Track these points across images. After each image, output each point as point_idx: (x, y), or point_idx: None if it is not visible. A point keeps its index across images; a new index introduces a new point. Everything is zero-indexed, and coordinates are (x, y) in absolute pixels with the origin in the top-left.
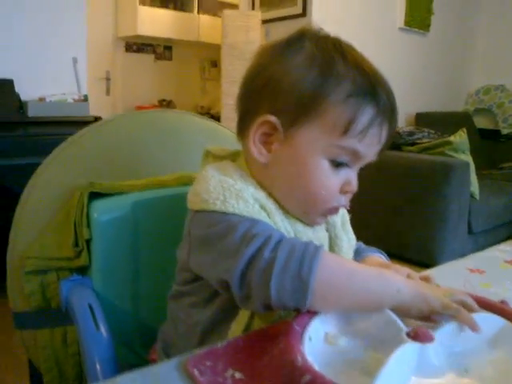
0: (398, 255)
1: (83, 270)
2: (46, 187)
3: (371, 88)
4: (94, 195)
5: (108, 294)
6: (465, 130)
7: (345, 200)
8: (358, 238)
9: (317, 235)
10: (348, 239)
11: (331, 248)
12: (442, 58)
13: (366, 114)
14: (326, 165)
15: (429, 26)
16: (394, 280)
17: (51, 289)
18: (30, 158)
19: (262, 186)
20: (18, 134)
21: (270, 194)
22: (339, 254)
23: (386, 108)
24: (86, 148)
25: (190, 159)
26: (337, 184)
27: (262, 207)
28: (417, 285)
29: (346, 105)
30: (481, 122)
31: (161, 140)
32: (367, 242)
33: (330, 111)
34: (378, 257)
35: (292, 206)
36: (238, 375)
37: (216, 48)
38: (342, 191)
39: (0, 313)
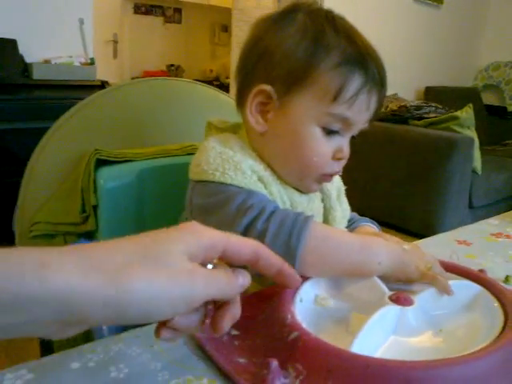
0: (398, 227)
1: (90, 235)
2: (54, 154)
3: (360, 57)
4: (101, 162)
5: None
6: (471, 105)
7: (337, 166)
8: (361, 208)
9: (312, 205)
10: (342, 210)
11: (325, 218)
12: (454, 31)
13: (355, 81)
14: (318, 132)
15: None
16: (377, 252)
17: None
18: (35, 123)
19: (260, 156)
20: (23, 97)
21: (269, 165)
22: (333, 223)
23: (375, 76)
24: (92, 115)
25: (196, 128)
26: (329, 151)
27: (260, 179)
28: (399, 256)
29: (335, 73)
30: (488, 98)
31: (167, 109)
32: (370, 213)
33: (321, 79)
34: (369, 226)
35: (288, 174)
36: (234, 332)
37: (227, 12)
38: (335, 158)
39: None
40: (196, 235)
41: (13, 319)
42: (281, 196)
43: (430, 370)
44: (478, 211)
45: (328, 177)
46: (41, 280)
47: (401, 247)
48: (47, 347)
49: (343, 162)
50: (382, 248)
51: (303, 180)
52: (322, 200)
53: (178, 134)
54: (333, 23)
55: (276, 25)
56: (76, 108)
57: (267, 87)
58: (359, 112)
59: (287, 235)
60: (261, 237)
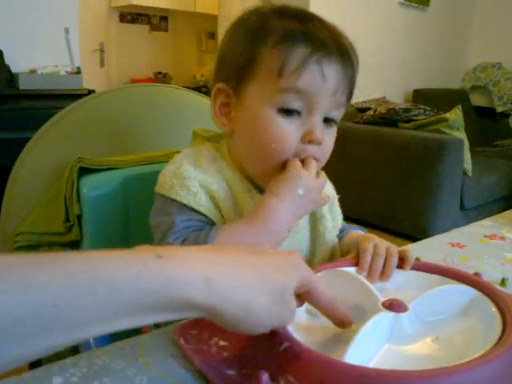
0: (390, 229)
1: (74, 245)
2: (36, 163)
3: (301, 30)
4: (84, 171)
5: None
6: (460, 107)
7: (312, 150)
8: (352, 212)
9: None
10: (333, 219)
11: (315, 227)
12: (441, 34)
13: (297, 54)
14: (274, 114)
15: (428, 0)
16: (278, 223)
17: None
18: (22, 133)
19: (239, 164)
20: (9, 107)
21: (245, 171)
22: (324, 232)
23: (325, 46)
24: (75, 123)
25: (182, 134)
26: (291, 133)
27: (210, 195)
28: (298, 208)
29: (275, 50)
30: (477, 100)
31: (152, 115)
32: (362, 217)
33: (264, 61)
34: (356, 232)
35: (257, 173)
36: (222, 343)
37: (213, 19)
38: (305, 141)
39: None
40: (299, 271)
41: (172, 317)
42: (250, 206)
43: (428, 380)
44: (470, 213)
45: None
46: (208, 294)
47: (296, 195)
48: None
49: (323, 150)
50: (283, 215)
51: (272, 175)
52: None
53: (164, 140)
54: (280, 12)
55: (231, 29)
56: (58, 116)
57: (221, 85)
58: (313, 83)
59: None
60: None
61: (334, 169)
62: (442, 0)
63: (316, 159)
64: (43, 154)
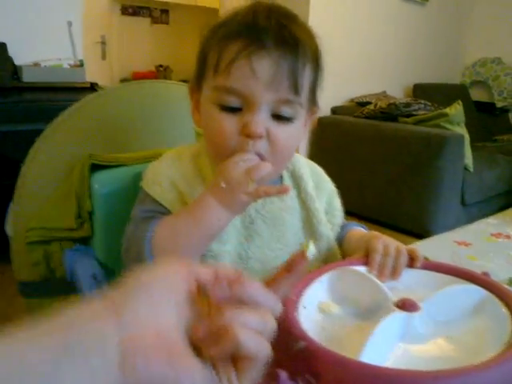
0: (392, 225)
1: (85, 241)
2: (46, 159)
3: (240, 28)
4: (95, 167)
5: (111, 264)
6: (460, 102)
7: (251, 145)
8: (353, 207)
9: (270, 207)
10: (331, 213)
11: (308, 220)
12: (441, 29)
13: (230, 50)
14: (215, 111)
15: None
16: (211, 213)
17: (55, 258)
18: (25, 125)
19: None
20: (13, 99)
21: None
22: (318, 226)
23: (258, 39)
24: (84, 120)
25: (191, 131)
26: (230, 128)
27: (178, 191)
28: (224, 198)
29: (215, 48)
30: (477, 95)
31: (161, 111)
32: (362, 211)
33: (209, 59)
34: (358, 230)
35: (215, 163)
36: None
37: (214, 12)
38: (242, 135)
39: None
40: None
41: None
42: None
43: (443, 380)
44: (471, 208)
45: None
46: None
47: (219, 187)
48: None
49: (273, 146)
50: (213, 206)
51: None
52: (303, 203)
53: (177, 136)
54: (253, 8)
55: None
56: (67, 113)
57: (191, 84)
58: (242, 79)
59: (137, 246)
60: (126, 251)
61: (333, 163)
62: None
63: (262, 157)
64: (52, 151)
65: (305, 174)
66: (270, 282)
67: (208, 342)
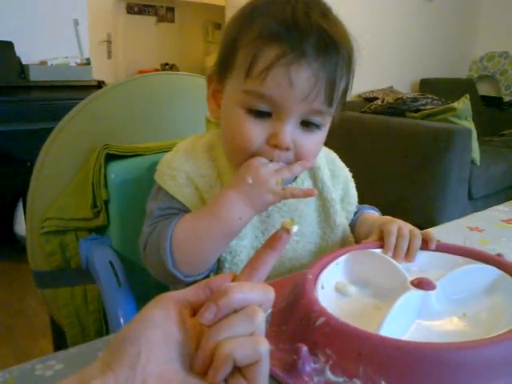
0: (399, 219)
1: (101, 230)
2: (61, 151)
3: (280, 27)
4: (111, 157)
5: (127, 252)
6: (468, 96)
7: (277, 155)
8: (361, 201)
9: (285, 201)
10: (347, 201)
11: (324, 210)
12: (448, 23)
13: (267, 54)
14: (242, 114)
15: None
16: (232, 211)
17: (70, 248)
18: (32, 124)
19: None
20: (20, 98)
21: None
22: (335, 216)
23: (300, 47)
24: (98, 112)
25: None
26: (256, 134)
27: (196, 187)
28: (249, 195)
29: (249, 47)
30: (484, 89)
31: (173, 102)
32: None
33: (239, 58)
34: (371, 213)
35: (233, 165)
36: None
37: (220, 10)
38: (270, 144)
39: (11, 278)
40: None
41: None
42: None
43: (462, 351)
44: (478, 202)
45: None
46: None
47: (245, 183)
48: (60, 344)
49: (298, 156)
50: (234, 203)
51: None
52: (319, 193)
53: (188, 127)
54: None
55: (236, 12)
56: (80, 106)
57: (211, 71)
58: (278, 88)
59: (157, 245)
60: (144, 249)
61: (341, 159)
62: None
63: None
64: (67, 143)
65: (322, 164)
66: (255, 261)
67: (207, 370)
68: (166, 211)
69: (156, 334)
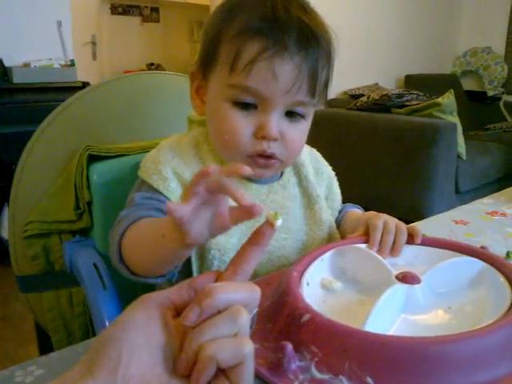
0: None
1: (85, 232)
2: (43, 153)
3: (261, 22)
4: (93, 158)
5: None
6: (452, 91)
7: (265, 146)
8: (348, 198)
9: (274, 197)
10: (331, 198)
11: (309, 206)
12: (431, 19)
13: (250, 48)
14: (228, 108)
15: None
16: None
17: (54, 251)
18: (17, 127)
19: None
20: (4, 101)
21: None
22: (320, 212)
23: (282, 41)
24: (79, 113)
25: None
26: (244, 128)
27: (182, 182)
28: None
29: (232, 42)
30: (468, 84)
31: (155, 102)
32: (357, 202)
33: (222, 51)
34: (355, 211)
35: (222, 157)
36: None
37: (205, 9)
38: (258, 137)
39: None
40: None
41: None
42: None
43: (448, 345)
44: (465, 196)
45: (258, 158)
46: None
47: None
48: (45, 347)
49: (286, 146)
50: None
51: (233, 161)
52: (304, 191)
53: (170, 126)
54: None
55: (218, 5)
56: (61, 107)
57: (193, 68)
58: (263, 81)
59: (115, 239)
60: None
61: (327, 155)
62: None
63: (274, 157)
64: (49, 145)
65: (305, 161)
66: (239, 258)
67: (191, 373)
68: (148, 200)
69: (138, 337)
